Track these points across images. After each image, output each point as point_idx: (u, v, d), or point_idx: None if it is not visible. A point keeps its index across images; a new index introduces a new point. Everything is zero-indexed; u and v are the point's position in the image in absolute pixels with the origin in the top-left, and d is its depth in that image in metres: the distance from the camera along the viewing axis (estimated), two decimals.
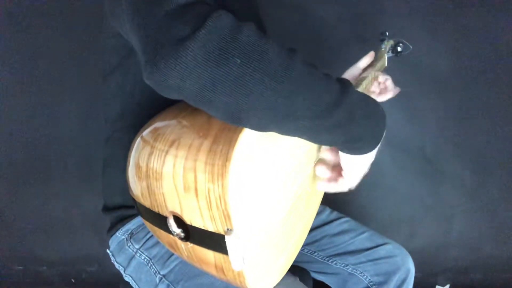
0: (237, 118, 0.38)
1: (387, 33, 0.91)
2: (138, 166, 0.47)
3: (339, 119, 0.43)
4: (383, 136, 0.51)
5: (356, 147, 0.50)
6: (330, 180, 0.59)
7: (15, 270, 1.58)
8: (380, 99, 0.81)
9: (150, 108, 0.55)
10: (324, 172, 0.60)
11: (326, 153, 0.59)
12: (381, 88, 0.81)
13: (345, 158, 0.53)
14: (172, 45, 0.34)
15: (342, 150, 0.52)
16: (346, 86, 0.44)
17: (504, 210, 1.37)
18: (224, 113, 0.38)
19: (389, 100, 1.30)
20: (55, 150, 1.44)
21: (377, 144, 0.51)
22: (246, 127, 0.40)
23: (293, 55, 0.39)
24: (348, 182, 0.57)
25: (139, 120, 0.53)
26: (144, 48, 0.37)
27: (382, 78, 0.81)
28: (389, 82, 0.81)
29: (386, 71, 0.86)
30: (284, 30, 1.25)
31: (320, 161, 0.61)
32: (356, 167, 0.54)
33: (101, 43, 0.63)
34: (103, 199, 0.70)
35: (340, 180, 0.58)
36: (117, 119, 0.64)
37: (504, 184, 1.34)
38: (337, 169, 0.59)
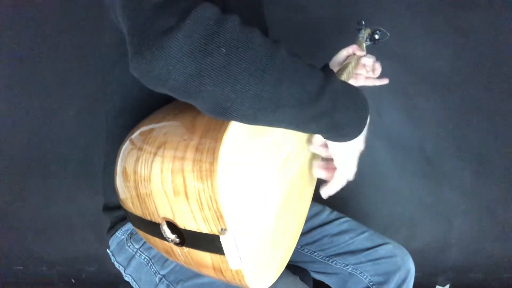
0: (223, 109, 0.38)
1: (363, 22, 0.92)
2: (125, 174, 0.47)
3: (323, 106, 0.44)
4: (368, 121, 0.53)
5: (342, 134, 0.51)
6: (327, 178, 0.61)
7: (15, 270, 1.58)
8: (368, 83, 0.85)
9: (150, 104, 0.55)
10: (320, 172, 0.63)
11: (318, 148, 0.61)
12: (368, 71, 0.85)
13: (334, 148, 0.55)
14: (158, 36, 0.35)
15: (329, 139, 0.54)
16: (329, 74, 0.45)
17: (504, 210, 1.37)
18: (211, 104, 0.38)
19: (389, 100, 1.31)
20: (55, 150, 1.43)
21: (362, 129, 0.53)
22: (233, 119, 0.40)
23: (277, 44, 0.40)
24: (343, 172, 0.59)
25: (139, 117, 0.53)
26: (131, 39, 0.37)
27: (366, 60, 0.84)
28: (372, 63, 0.84)
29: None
30: (285, 30, 1.24)
31: (315, 161, 0.63)
32: (346, 155, 0.56)
33: (103, 39, 0.63)
34: (103, 198, 0.70)
35: (336, 173, 0.59)
36: (117, 116, 0.64)
37: (504, 184, 1.34)
38: (331, 167, 0.61)
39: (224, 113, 0.39)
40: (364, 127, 0.53)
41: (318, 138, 0.59)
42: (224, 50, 0.35)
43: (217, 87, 0.36)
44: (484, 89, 1.27)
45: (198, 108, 0.40)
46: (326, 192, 0.62)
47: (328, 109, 0.45)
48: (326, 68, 0.46)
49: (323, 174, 0.62)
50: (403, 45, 1.24)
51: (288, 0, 1.28)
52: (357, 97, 0.50)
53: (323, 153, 0.61)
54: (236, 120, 0.40)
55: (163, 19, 0.35)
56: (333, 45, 1.28)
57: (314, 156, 0.67)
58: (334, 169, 0.59)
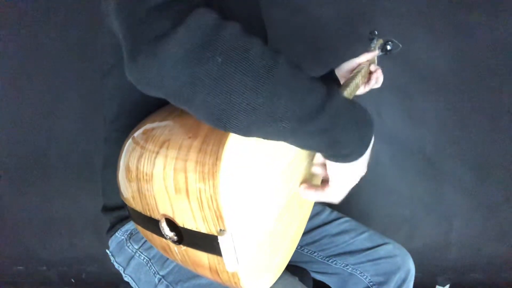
0: (217, 120, 0.37)
1: (376, 32, 0.92)
2: (128, 169, 0.47)
3: (323, 123, 0.41)
4: (371, 144, 0.49)
5: (342, 154, 0.47)
6: (316, 189, 0.56)
7: (15, 270, 1.58)
8: (375, 86, 0.88)
9: (147, 108, 0.55)
10: (308, 194, 0.57)
11: (317, 168, 0.57)
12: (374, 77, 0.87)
13: (333, 168, 0.51)
14: (151, 42, 0.34)
15: (329, 158, 0.49)
16: (332, 90, 0.42)
17: (504, 210, 1.36)
18: (204, 113, 0.37)
19: (389, 100, 1.30)
20: (55, 150, 1.44)
21: (365, 151, 0.48)
22: (227, 130, 0.39)
23: (277, 56, 0.38)
24: (334, 192, 0.54)
25: (136, 120, 0.53)
26: (125, 45, 0.36)
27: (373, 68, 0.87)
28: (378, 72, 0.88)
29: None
30: (284, 30, 1.25)
31: (305, 181, 0.59)
32: (344, 178, 0.52)
33: (102, 40, 0.63)
34: (102, 199, 0.70)
35: (327, 189, 0.54)
36: (115, 119, 0.64)
37: (504, 184, 1.34)
38: (324, 181, 0.56)
39: (218, 123, 0.38)
40: (367, 148, 0.48)
41: (318, 157, 0.56)
42: (220, 60, 0.34)
43: (210, 97, 0.35)
44: (484, 89, 1.27)
45: (192, 114, 0.39)
46: (305, 190, 0.57)
47: (327, 126, 0.41)
48: (329, 84, 0.44)
49: (311, 195, 0.57)
50: (403, 45, 1.24)
51: (287, 1, 1.28)
52: (362, 118, 0.46)
53: (319, 171, 0.57)
54: (230, 131, 0.39)
55: (158, 24, 0.34)
56: (333, 45, 1.29)
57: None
58: (326, 183, 0.55)
